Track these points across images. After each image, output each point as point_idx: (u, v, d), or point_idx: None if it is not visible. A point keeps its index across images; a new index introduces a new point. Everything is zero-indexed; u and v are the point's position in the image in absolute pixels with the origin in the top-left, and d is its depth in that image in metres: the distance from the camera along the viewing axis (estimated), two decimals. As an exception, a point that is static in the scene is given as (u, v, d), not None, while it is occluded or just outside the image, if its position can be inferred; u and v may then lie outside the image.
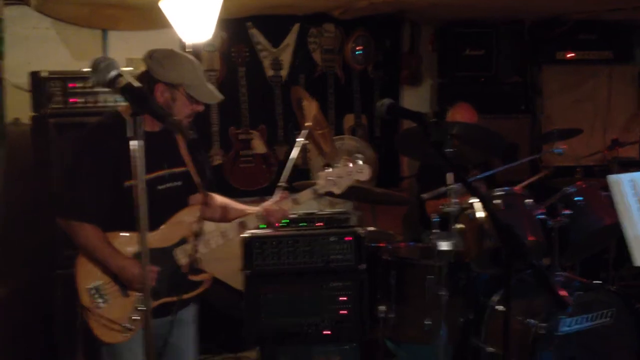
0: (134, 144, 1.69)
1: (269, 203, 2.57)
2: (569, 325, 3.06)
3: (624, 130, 5.32)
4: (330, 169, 2.60)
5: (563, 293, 2.95)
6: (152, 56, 2.34)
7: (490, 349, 3.14)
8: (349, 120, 5.19)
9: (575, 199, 3.39)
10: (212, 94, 2.42)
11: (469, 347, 3.30)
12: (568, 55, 5.29)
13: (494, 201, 3.33)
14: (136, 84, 1.77)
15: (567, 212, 3.32)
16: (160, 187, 2.39)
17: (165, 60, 2.33)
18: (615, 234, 2.81)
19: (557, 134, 3.67)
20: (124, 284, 2.31)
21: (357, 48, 5.19)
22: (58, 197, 2.49)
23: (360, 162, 2.63)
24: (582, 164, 4.83)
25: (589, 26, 5.30)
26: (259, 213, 2.52)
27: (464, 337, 3.32)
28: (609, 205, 3.38)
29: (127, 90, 1.72)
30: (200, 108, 2.41)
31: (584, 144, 5.07)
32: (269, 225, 2.66)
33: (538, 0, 4.36)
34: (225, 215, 2.64)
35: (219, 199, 2.69)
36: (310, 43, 5.05)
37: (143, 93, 1.74)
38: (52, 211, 2.40)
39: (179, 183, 2.47)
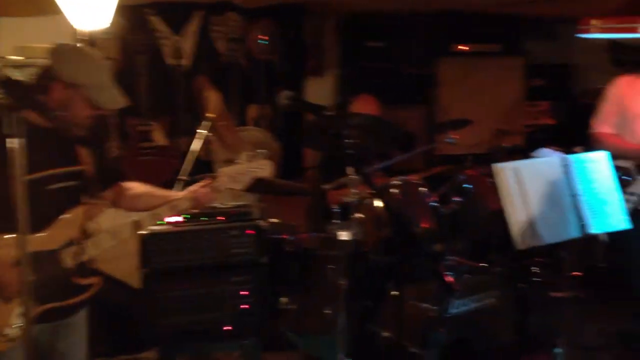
0: (11, 141, 1.60)
1: (194, 187, 2.54)
2: (457, 306, 3.20)
3: (510, 120, 5.58)
4: (231, 166, 2.58)
5: (449, 279, 3.07)
6: (56, 51, 2.23)
7: (385, 334, 3.24)
8: (252, 110, 5.16)
9: (465, 186, 3.55)
10: (115, 99, 2.32)
11: (368, 333, 3.39)
12: (461, 48, 5.48)
13: (392, 190, 3.43)
14: (15, 76, 1.68)
15: (457, 199, 3.47)
16: (51, 187, 2.29)
17: (68, 57, 2.24)
18: (501, 218, 2.95)
19: (449, 124, 3.81)
20: None
21: (261, 38, 5.15)
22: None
23: (262, 159, 2.62)
24: (472, 152, 5.03)
25: (481, 19, 5.50)
26: (186, 197, 2.48)
27: (362, 324, 3.40)
28: (495, 192, 3.57)
29: (5, 84, 1.63)
30: (103, 111, 2.33)
31: (475, 133, 5.27)
32: (196, 208, 2.61)
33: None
34: (148, 203, 2.55)
35: (139, 187, 2.61)
36: (214, 31, 4.97)
37: (23, 87, 1.65)
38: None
39: (74, 182, 2.37)
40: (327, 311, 3.27)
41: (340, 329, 3.07)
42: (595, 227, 2.84)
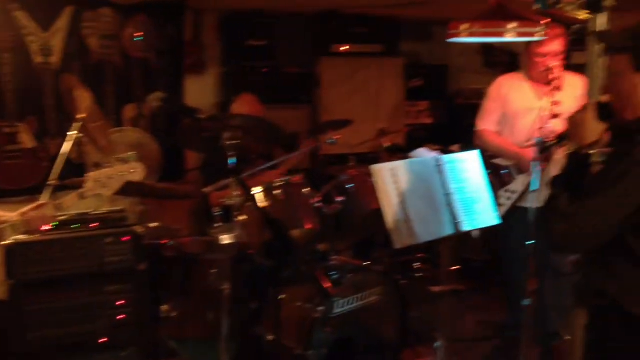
0: None
1: (27, 209, 2.40)
2: (342, 306, 3.29)
3: (391, 119, 5.80)
4: (99, 170, 2.49)
5: (327, 284, 3.12)
6: None
7: (270, 337, 3.27)
8: (130, 110, 4.99)
9: (347, 186, 3.65)
10: None
11: (253, 337, 3.41)
12: (342, 48, 5.62)
13: (275, 192, 3.46)
14: None
15: (340, 199, 3.56)
16: None
17: None
18: (382, 217, 3.05)
19: (330, 125, 3.89)
20: None
21: (137, 34, 5.00)
22: None
23: (133, 162, 2.54)
24: (355, 152, 5.18)
25: (362, 20, 5.66)
26: (17, 221, 2.34)
27: (248, 327, 3.41)
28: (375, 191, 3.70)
29: None
30: None
31: (357, 133, 5.42)
32: (31, 232, 2.47)
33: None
34: None
35: None
36: (85, 28, 4.77)
37: None
38: None
39: None
40: (210, 316, 3.26)
41: (224, 334, 3.07)
42: (468, 224, 2.99)
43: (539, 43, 3.51)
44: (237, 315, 3.31)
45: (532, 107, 3.67)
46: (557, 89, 3.61)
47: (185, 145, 4.25)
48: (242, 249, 3.35)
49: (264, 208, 2.84)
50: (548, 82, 3.49)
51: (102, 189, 2.44)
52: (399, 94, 5.98)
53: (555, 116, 3.55)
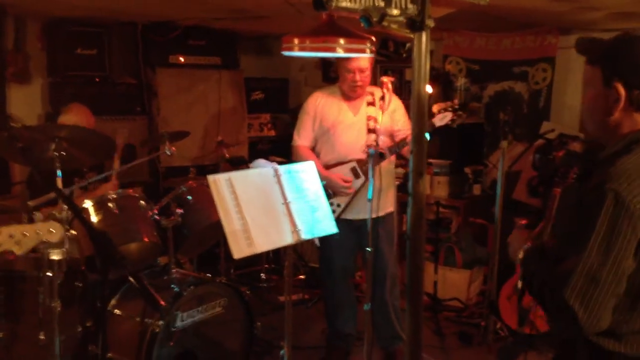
0: None
1: None
2: (184, 319, 3.34)
3: (233, 131, 5.94)
4: (14, 225, 2.19)
5: (156, 296, 3.05)
6: None
7: (110, 354, 3.25)
8: (-58, 121, 4.70)
9: (187, 197, 3.71)
10: None
11: (88, 357, 3.35)
12: (180, 59, 5.68)
13: (109, 204, 3.43)
14: None
15: (179, 211, 3.62)
16: None
17: None
18: (222, 229, 3.12)
19: (167, 136, 3.92)
20: None
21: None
22: None
23: (52, 221, 2.33)
24: (197, 163, 5.25)
25: (199, 32, 5.76)
26: None
27: (82, 347, 3.35)
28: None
29: None
30: None
31: (198, 144, 5.51)
32: None
33: (146, 4, 4.57)
34: None
35: None
36: None
37: None
38: None
39: None
40: (40, 337, 3.17)
41: (57, 355, 3.00)
42: (307, 233, 3.09)
43: (346, 58, 3.64)
44: (70, 334, 3.25)
45: (349, 122, 3.84)
46: (371, 104, 3.83)
47: (8, 156, 4.07)
48: (73, 265, 3.30)
49: (88, 222, 2.79)
50: (355, 98, 3.68)
51: (14, 246, 2.18)
52: (240, 106, 6.15)
53: (371, 131, 3.73)
